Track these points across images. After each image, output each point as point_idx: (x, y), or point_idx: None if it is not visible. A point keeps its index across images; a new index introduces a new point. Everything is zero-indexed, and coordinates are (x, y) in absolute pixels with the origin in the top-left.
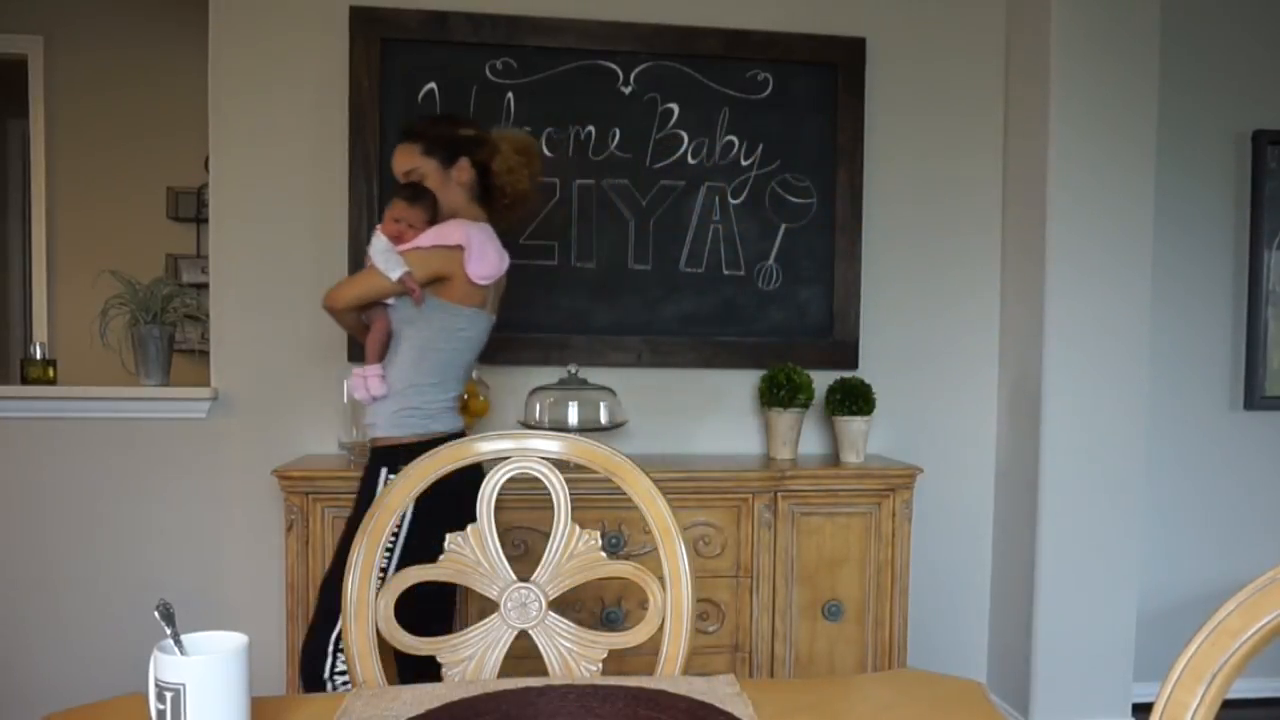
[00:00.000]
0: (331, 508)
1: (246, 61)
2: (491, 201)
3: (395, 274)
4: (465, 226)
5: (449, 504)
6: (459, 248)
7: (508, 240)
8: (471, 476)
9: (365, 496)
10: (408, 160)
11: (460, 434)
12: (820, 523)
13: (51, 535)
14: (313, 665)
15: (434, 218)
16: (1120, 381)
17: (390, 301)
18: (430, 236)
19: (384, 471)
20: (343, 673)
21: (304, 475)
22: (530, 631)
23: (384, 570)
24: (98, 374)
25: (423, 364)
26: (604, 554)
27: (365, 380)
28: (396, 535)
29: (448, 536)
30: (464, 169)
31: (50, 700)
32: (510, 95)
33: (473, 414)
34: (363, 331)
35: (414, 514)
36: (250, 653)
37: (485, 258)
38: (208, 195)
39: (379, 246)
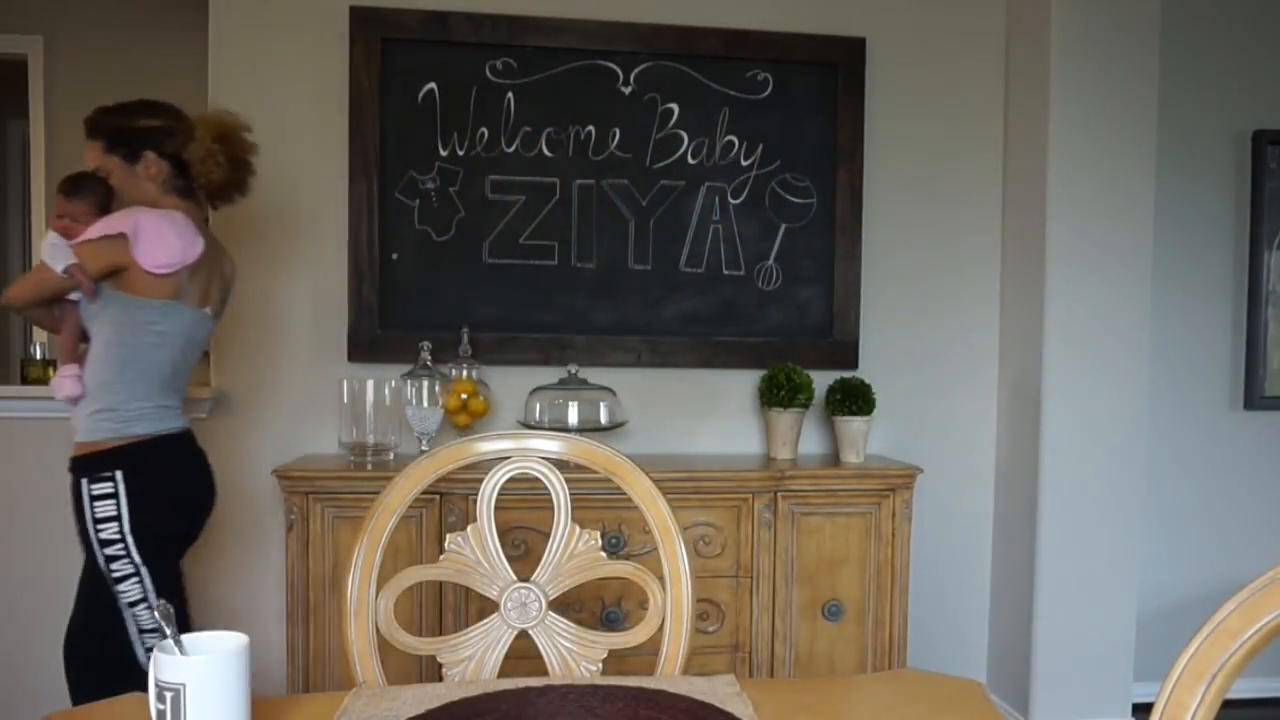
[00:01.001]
0: (331, 508)
1: (246, 62)
2: (195, 191)
3: (59, 266)
4: (134, 214)
5: (165, 501)
6: (123, 236)
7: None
8: (198, 477)
9: (76, 514)
10: (95, 159)
11: (180, 435)
12: (820, 523)
13: (52, 535)
14: (109, 650)
15: (106, 205)
16: (1120, 381)
17: (74, 297)
18: (98, 228)
19: (84, 483)
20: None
21: (304, 475)
22: (530, 631)
23: (132, 574)
24: None
25: (111, 361)
26: (604, 554)
27: (61, 381)
28: (120, 538)
29: (447, 536)
30: (151, 163)
31: (51, 700)
32: (510, 95)
33: (472, 414)
34: (59, 330)
35: (131, 522)
36: (250, 653)
37: (159, 245)
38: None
39: (48, 241)
